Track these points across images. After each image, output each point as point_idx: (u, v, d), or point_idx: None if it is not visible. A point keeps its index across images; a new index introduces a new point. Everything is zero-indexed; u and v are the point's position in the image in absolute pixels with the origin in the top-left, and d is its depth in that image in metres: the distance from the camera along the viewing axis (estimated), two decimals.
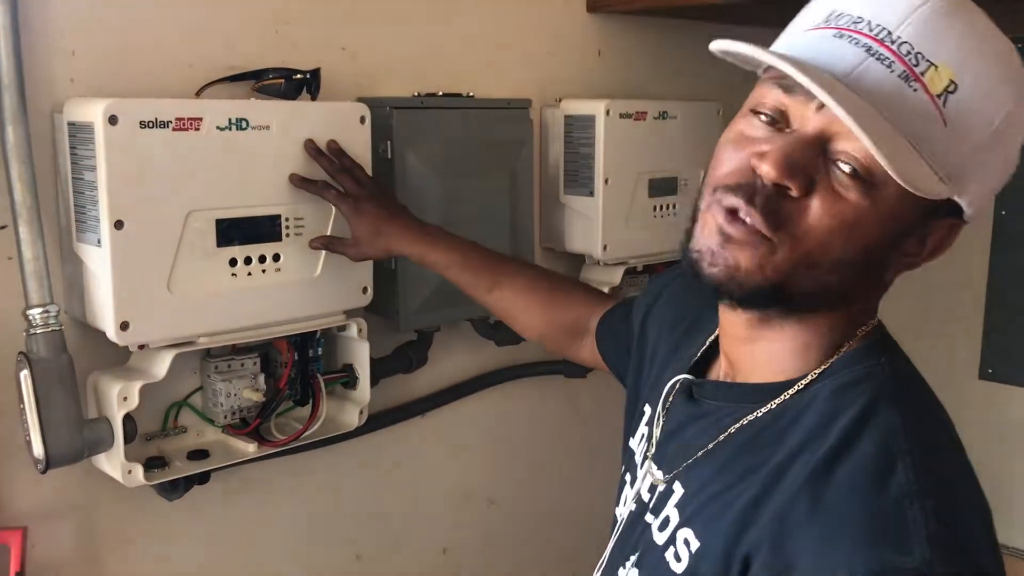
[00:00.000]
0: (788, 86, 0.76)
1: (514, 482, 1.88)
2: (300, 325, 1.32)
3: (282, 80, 1.30)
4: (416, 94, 1.53)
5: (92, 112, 1.11)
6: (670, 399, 0.95)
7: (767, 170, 0.75)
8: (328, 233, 1.32)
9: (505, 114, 1.60)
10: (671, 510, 0.86)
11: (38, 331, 1.15)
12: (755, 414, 0.83)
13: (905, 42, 0.72)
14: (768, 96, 0.79)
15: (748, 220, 0.76)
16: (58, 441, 1.14)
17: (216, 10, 1.33)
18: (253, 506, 1.47)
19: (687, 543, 0.82)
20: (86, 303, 1.20)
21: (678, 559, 0.82)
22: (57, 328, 1.16)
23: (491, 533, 1.85)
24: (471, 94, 1.56)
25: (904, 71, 0.72)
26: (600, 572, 0.98)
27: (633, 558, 0.91)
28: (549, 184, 1.76)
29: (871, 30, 0.73)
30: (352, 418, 1.43)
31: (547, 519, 1.96)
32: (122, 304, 1.14)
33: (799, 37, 0.78)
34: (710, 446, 0.85)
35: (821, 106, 0.73)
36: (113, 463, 1.20)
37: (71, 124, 1.15)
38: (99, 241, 1.14)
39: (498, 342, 1.68)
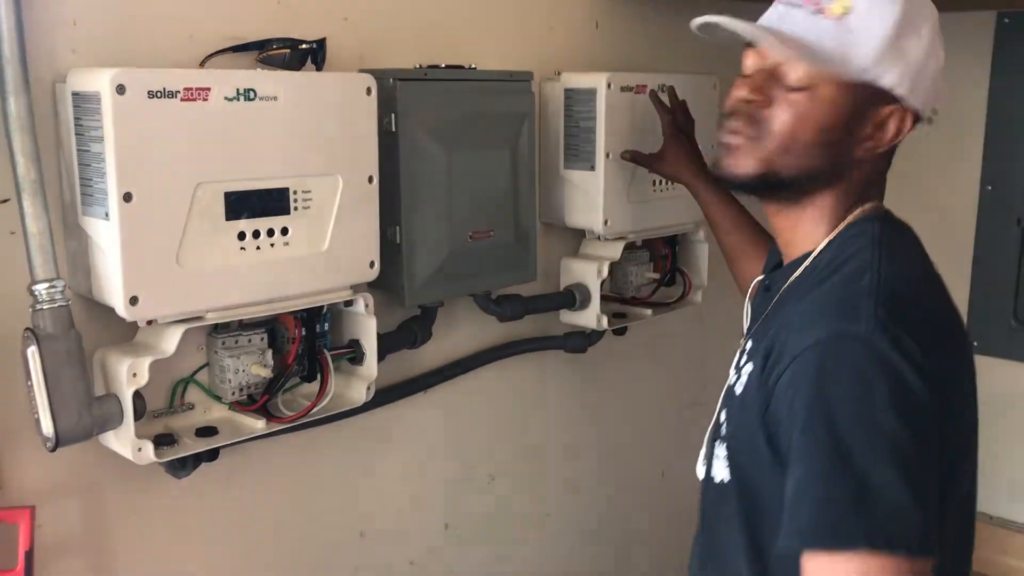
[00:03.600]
0: (748, 46, 1.12)
1: (515, 457, 1.88)
2: (308, 300, 1.31)
3: (288, 50, 1.28)
4: (418, 66, 1.51)
5: (99, 81, 1.08)
6: (756, 297, 1.23)
7: (739, 93, 1.12)
8: (336, 206, 1.30)
9: (508, 86, 1.59)
10: (743, 358, 1.14)
11: (44, 307, 1.12)
12: (793, 276, 1.13)
13: None
14: (744, 60, 1.14)
15: (737, 131, 1.11)
16: (67, 419, 1.12)
17: None
18: (260, 482, 1.46)
19: (747, 372, 1.09)
20: (92, 278, 1.17)
21: (740, 384, 1.10)
22: (64, 303, 1.14)
23: (492, 508, 1.85)
24: (473, 66, 1.54)
25: (813, 8, 1.07)
26: (710, 441, 1.20)
27: (723, 410, 1.15)
28: (548, 158, 1.75)
29: None
30: (359, 394, 1.41)
31: (545, 492, 1.96)
32: (131, 278, 1.12)
33: (721, 18, 1.11)
34: (768, 308, 1.15)
35: (761, 53, 1.10)
36: (122, 440, 1.18)
37: (76, 94, 1.13)
38: (107, 214, 1.11)
39: (500, 317, 1.67)
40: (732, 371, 1.16)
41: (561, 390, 1.94)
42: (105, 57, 1.21)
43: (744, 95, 1.10)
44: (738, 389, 1.10)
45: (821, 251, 1.11)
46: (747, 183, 1.12)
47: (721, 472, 1.13)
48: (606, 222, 1.71)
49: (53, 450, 1.13)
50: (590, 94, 1.68)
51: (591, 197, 1.71)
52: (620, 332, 1.88)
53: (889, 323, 0.97)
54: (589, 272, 1.75)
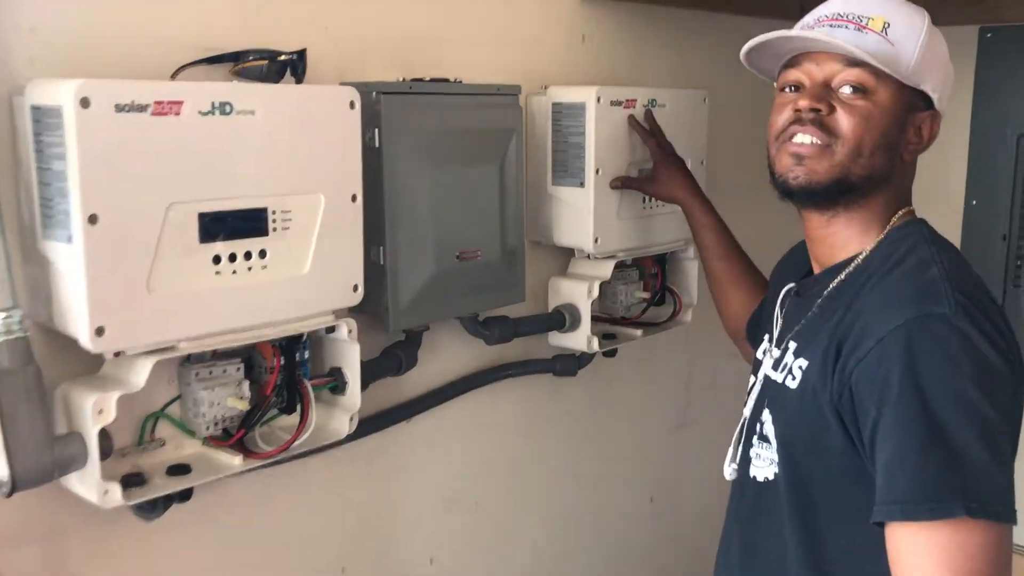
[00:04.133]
0: (795, 63, 1.18)
1: (502, 486, 1.80)
2: (288, 327, 1.22)
3: (266, 61, 1.20)
4: (402, 79, 1.44)
5: (62, 94, 0.99)
6: (786, 305, 1.26)
7: (804, 103, 1.15)
8: (317, 227, 1.22)
9: (495, 100, 1.52)
10: (788, 357, 1.19)
11: (1, 339, 1.03)
12: (837, 280, 1.17)
13: (849, 13, 1.15)
14: (786, 77, 1.20)
15: (809, 138, 1.14)
16: (26, 460, 1.03)
17: None
18: (235, 520, 1.37)
19: (800, 367, 1.15)
20: (54, 306, 1.08)
21: (793, 380, 1.15)
22: (22, 334, 1.05)
23: (477, 537, 1.76)
24: (459, 79, 1.47)
25: (855, 27, 1.14)
26: (742, 443, 1.25)
27: (766, 409, 1.20)
28: (535, 174, 1.68)
29: (827, 17, 1.17)
30: (342, 425, 1.33)
31: (533, 521, 1.88)
32: (97, 307, 1.03)
33: (789, 31, 1.17)
34: (813, 310, 1.18)
35: (817, 65, 1.16)
36: (87, 483, 1.09)
37: (35, 108, 1.04)
38: (70, 238, 1.02)
39: (488, 340, 1.59)
40: (771, 371, 1.21)
41: (549, 415, 1.87)
42: (67, 67, 1.12)
43: (809, 103, 1.13)
44: (790, 384, 1.15)
45: (869, 254, 1.15)
46: (825, 190, 1.14)
47: (764, 471, 1.18)
48: (596, 240, 1.64)
49: (9, 495, 1.03)
50: (579, 108, 1.62)
51: (580, 215, 1.64)
52: (610, 354, 1.81)
53: (968, 305, 1.04)
54: (579, 292, 1.68)
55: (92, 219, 1.02)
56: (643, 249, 1.76)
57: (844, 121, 1.13)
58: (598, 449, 2.00)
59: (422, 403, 1.59)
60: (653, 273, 1.86)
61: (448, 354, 1.63)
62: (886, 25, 1.13)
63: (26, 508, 1.14)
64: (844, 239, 1.18)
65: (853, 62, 1.12)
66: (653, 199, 1.74)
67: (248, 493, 1.36)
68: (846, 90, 1.13)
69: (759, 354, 1.30)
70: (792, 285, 1.26)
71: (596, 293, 1.67)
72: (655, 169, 1.68)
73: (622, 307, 1.80)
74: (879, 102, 1.13)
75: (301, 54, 1.22)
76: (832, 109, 1.13)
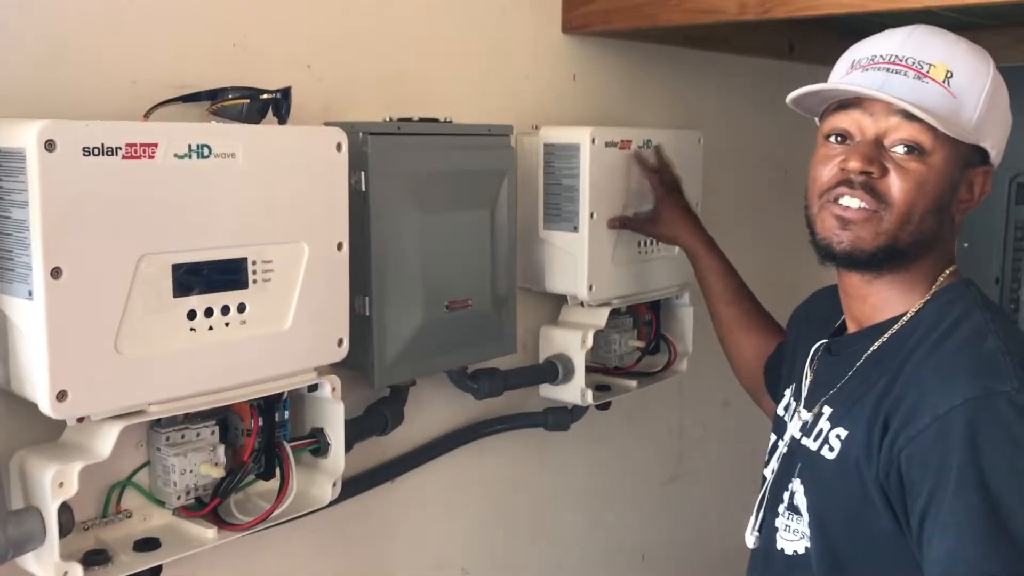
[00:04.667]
0: (844, 106, 1.08)
1: (490, 548, 1.70)
2: (267, 386, 1.13)
3: (247, 100, 1.11)
4: (388, 119, 1.36)
5: (24, 136, 0.90)
6: (816, 360, 1.18)
7: (854, 164, 1.05)
8: (300, 278, 1.13)
9: (486, 141, 1.44)
10: (823, 423, 1.10)
11: None
12: (879, 342, 1.09)
13: (908, 57, 1.06)
14: (833, 123, 1.10)
15: (856, 203, 1.05)
16: None
17: (164, 18, 1.15)
18: None
19: (838, 437, 1.07)
20: (10, 367, 0.98)
21: (831, 450, 1.07)
22: None
23: None
24: (449, 119, 1.39)
25: (915, 74, 1.05)
26: (763, 509, 1.19)
27: (796, 478, 1.12)
28: (526, 218, 1.60)
29: (883, 58, 1.07)
30: (324, 491, 1.23)
31: None
32: (59, 369, 0.93)
33: (841, 81, 1.09)
34: (850, 374, 1.10)
35: (871, 115, 1.05)
36: (44, 563, 0.99)
37: None
38: (30, 293, 0.93)
39: (476, 394, 1.51)
40: (796, 436, 1.14)
41: (537, 472, 1.78)
42: (28, 105, 1.03)
43: (860, 166, 1.04)
44: (827, 454, 1.07)
45: (915, 316, 1.08)
46: (870, 257, 1.06)
47: (792, 544, 1.12)
48: (591, 287, 1.57)
49: None
50: (573, 149, 1.55)
51: (574, 260, 1.57)
52: (603, 407, 1.73)
53: None
54: (572, 342, 1.60)
55: (55, 273, 0.92)
56: (638, 296, 1.69)
57: (896, 187, 1.04)
58: (588, 506, 1.91)
59: (407, 462, 1.49)
60: (647, 320, 1.79)
61: (433, 409, 1.54)
62: (948, 74, 1.04)
63: None
64: (885, 299, 1.10)
65: (910, 116, 1.02)
66: (649, 242, 1.67)
67: (221, 566, 1.26)
68: (899, 149, 1.04)
69: (781, 411, 1.23)
70: (825, 341, 1.19)
71: (591, 343, 1.59)
72: (656, 208, 1.61)
73: (615, 356, 1.72)
74: (935, 164, 1.04)
75: (286, 92, 1.14)
76: (884, 172, 1.04)
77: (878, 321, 1.11)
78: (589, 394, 1.60)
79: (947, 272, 1.10)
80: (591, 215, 1.55)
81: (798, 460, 1.13)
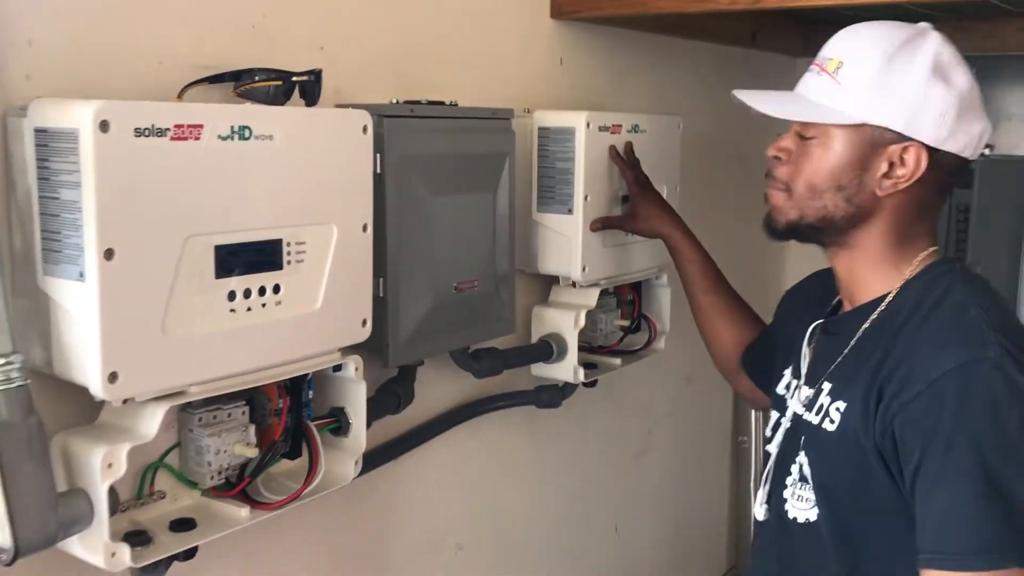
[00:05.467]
0: None
1: (482, 523, 1.73)
2: (298, 366, 1.14)
3: (279, 82, 1.12)
4: (395, 100, 1.37)
5: (78, 116, 0.90)
6: (814, 340, 1.24)
7: (767, 152, 1.22)
8: (329, 259, 1.15)
9: (489, 124, 1.47)
10: (823, 399, 1.17)
11: (0, 388, 0.92)
12: (869, 320, 1.16)
13: (823, 55, 1.18)
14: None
15: (774, 182, 1.20)
16: (30, 523, 0.92)
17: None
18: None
19: (838, 410, 1.14)
20: (54, 350, 0.97)
21: (832, 423, 1.14)
22: (23, 383, 0.93)
23: None
24: (455, 102, 1.41)
25: (818, 70, 1.17)
26: (769, 483, 1.24)
27: (802, 451, 1.18)
28: (519, 201, 1.63)
29: (817, 59, 1.19)
30: (346, 469, 1.25)
31: (512, 560, 1.83)
32: (112, 351, 0.93)
33: (740, 93, 1.25)
34: (846, 351, 1.17)
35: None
36: (91, 544, 0.98)
37: (40, 131, 0.93)
38: (81, 275, 0.92)
39: (477, 373, 1.53)
40: (800, 412, 1.20)
41: (525, 449, 1.82)
42: (65, 85, 1.02)
43: (772, 152, 1.21)
44: (828, 427, 1.14)
45: (898, 295, 1.15)
46: (784, 231, 1.20)
47: (804, 512, 1.17)
48: (584, 268, 1.61)
49: (10, 563, 0.92)
50: (568, 133, 1.58)
51: (568, 242, 1.60)
52: (590, 385, 1.78)
53: (1012, 349, 1.04)
54: (565, 322, 1.64)
55: (108, 254, 0.92)
56: (624, 276, 1.74)
57: (796, 168, 1.17)
58: (567, 481, 1.96)
59: (411, 440, 1.51)
60: (629, 300, 1.84)
61: (430, 389, 1.56)
62: (840, 64, 1.14)
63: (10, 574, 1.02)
64: (862, 278, 1.19)
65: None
66: None
67: (244, 544, 1.26)
68: (800, 137, 1.18)
69: (782, 389, 1.29)
70: (821, 321, 1.25)
71: (583, 322, 1.63)
72: (633, 205, 1.66)
73: (601, 335, 1.77)
74: (828, 147, 1.15)
75: (318, 74, 1.15)
76: (790, 157, 1.18)
77: (866, 300, 1.19)
78: (581, 372, 1.65)
79: (928, 251, 1.18)
80: (585, 198, 1.59)
81: (802, 434, 1.20)
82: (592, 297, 1.66)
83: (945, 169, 1.14)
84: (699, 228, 1.92)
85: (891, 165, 1.13)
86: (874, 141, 1.13)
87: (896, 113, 1.12)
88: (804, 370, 1.24)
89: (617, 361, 1.78)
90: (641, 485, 2.22)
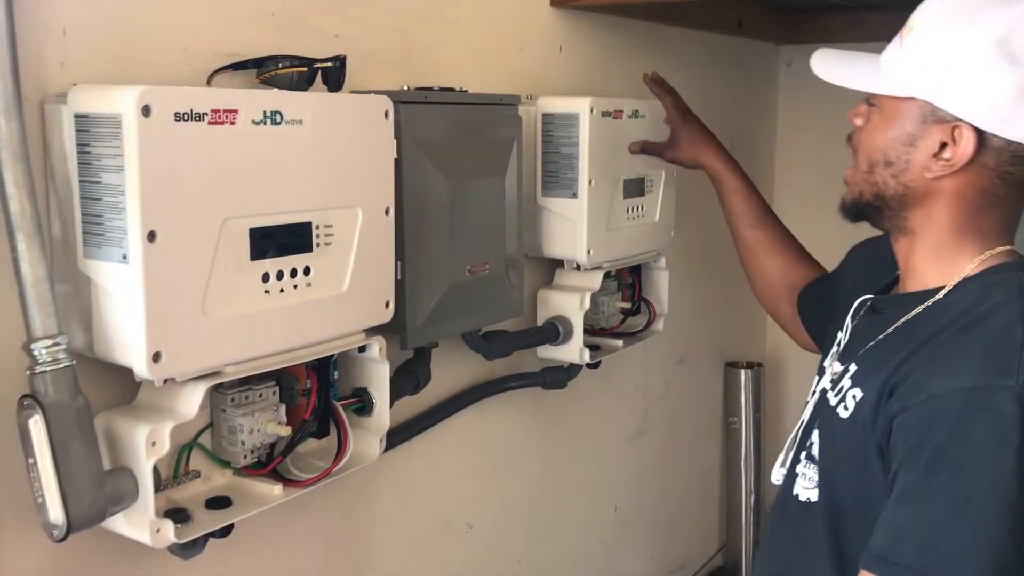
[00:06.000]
0: None
1: (490, 503, 1.77)
2: (326, 346, 1.17)
3: (304, 69, 1.14)
4: (406, 87, 1.39)
5: (120, 102, 0.92)
6: (859, 315, 1.18)
7: (849, 115, 1.14)
8: (355, 242, 1.17)
9: (498, 111, 1.50)
10: (846, 381, 1.11)
11: (47, 369, 0.94)
12: (914, 312, 1.08)
13: (909, 21, 1.08)
14: None
15: (851, 153, 1.14)
16: (80, 500, 0.94)
17: None
18: (271, 551, 1.30)
19: (854, 397, 1.07)
20: (95, 332, 1.00)
21: (846, 409, 1.08)
22: (69, 363, 0.96)
23: (470, 561, 1.73)
24: (465, 88, 1.44)
25: (898, 35, 1.09)
26: (794, 450, 1.20)
27: (816, 430, 1.14)
28: (524, 186, 1.66)
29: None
30: (371, 448, 1.28)
31: (518, 539, 1.86)
32: (155, 331, 0.96)
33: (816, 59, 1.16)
34: (881, 336, 1.10)
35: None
36: (136, 521, 1.01)
37: (81, 116, 0.95)
38: (125, 257, 0.95)
39: (487, 355, 1.57)
40: (827, 388, 1.14)
41: (530, 430, 1.85)
42: (97, 72, 1.04)
43: (850, 117, 1.14)
44: (842, 412, 1.08)
45: (953, 292, 1.06)
46: (850, 209, 1.14)
47: (807, 491, 1.14)
48: (589, 252, 1.64)
49: (63, 539, 0.94)
50: (572, 119, 1.61)
51: (574, 226, 1.64)
52: (594, 366, 1.81)
53: None
54: (571, 304, 1.68)
55: (151, 236, 0.94)
56: (626, 259, 1.77)
57: (856, 137, 1.13)
58: (570, 461, 1.99)
59: (427, 419, 1.54)
60: (629, 283, 1.88)
61: (441, 370, 1.58)
62: (912, 28, 1.07)
63: (43, 553, 1.04)
64: (917, 265, 1.11)
65: None
66: (636, 208, 1.75)
67: (268, 521, 1.29)
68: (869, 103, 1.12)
69: (827, 358, 1.23)
70: (869, 298, 1.18)
71: (588, 305, 1.67)
72: (674, 133, 1.63)
73: (603, 317, 1.81)
74: (885, 115, 1.09)
75: (342, 61, 1.17)
76: (864, 123, 1.13)
77: (914, 289, 1.11)
78: (587, 353, 1.68)
79: (997, 250, 1.07)
80: (590, 182, 1.62)
81: (821, 412, 1.15)
82: (596, 280, 1.70)
83: (1007, 157, 1.03)
84: (687, 213, 1.98)
85: (943, 145, 1.04)
86: (924, 116, 1.05)
87: (945, 88, 1.03)
88: (842, 345, 1.19)
89: (619, 343, 1.82)
90: (638, 465, 2.26)
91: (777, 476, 1.23)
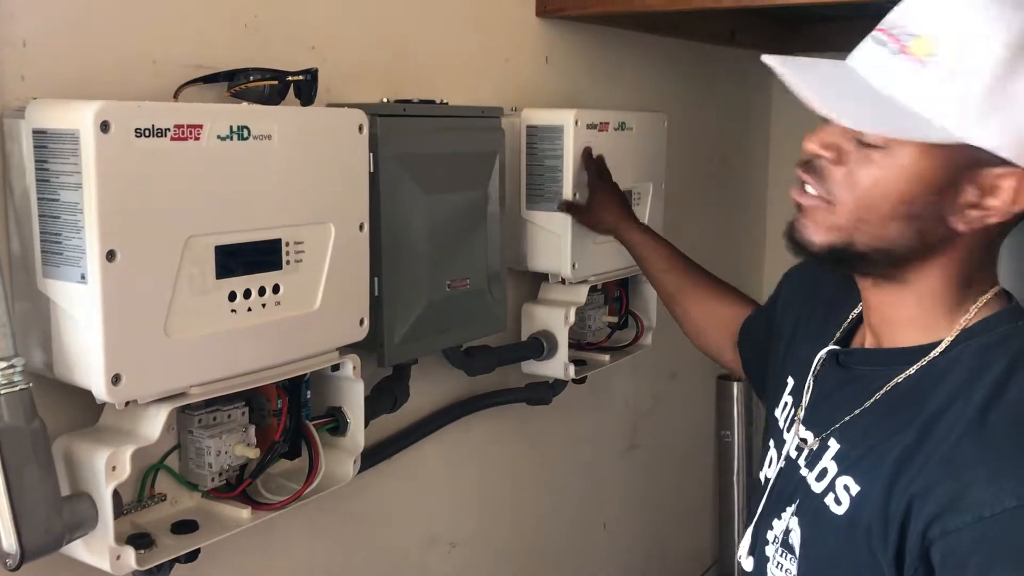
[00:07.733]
0: None
1: (473, 521, 1.74)
2: (297, 366, 1.14)
3: (275, 82, 1.11)
4: (385, 99, 1.37)
5: (78, 117, 0.89)
6: (819, 369, 1.02)
7: (807, 145, 0.91)
8: (327, 259, 1.14)
9: (479, 123, 1.47)
10: (828, 462, 0.95)
11: (1, 391, 0.91)
12: (904, 375, 0.92)
13: (901, 21, 0.86)
14: None
15: (808, 187, 0.92)
16: (35, 527, 0.91)
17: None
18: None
19: (847, 488, 0.91)
20: (54, 353, 0.97)
21: (838, 503, 0.92)
22: (25, 386, 0.93)
23: None
24: (445, 101, 1.42)
25: (896, 46, 0.85)
26: (753, 525, 1.05)
27: (790, 508, 0.98)
28: (509, 199, 1.64)
29: (885, 23, 0.88)
30: (345, 469, 1.25)
31: (504, 557, 1.83)
32: (114, 353, 0.93)
33: (784, 66, 0.89)
34: (866, 404, 0.94)
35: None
36: (96, 548, 0.98)
37: (39, 132, 0.93)
38: (83, 276, 0.92)
39: (470, 371, 1.54)
40: (795, 458, 1.00)
41: (514, 446, 1.82)
42: (60, 85, 1.01)
43: (812, 148, 0.90)
44: (834, 507, 0.92)
45: (948, 350, 0.90)
46: (820, 254, 0.92)
47: None
48: (574, 265, 1.62)
49: (16, 568, 0.91)
50: (556, 131, 1.59)
51: (559, 240, 1.61)
52: (580, 381, 1.78)
53: None
54: (556, 319, 1.65)
55: (110, 255, 0.91)
56: (612, 273, 1.74)
57: (849, 180, 0.88)
58: (556, 477, 1.96)
59: (404, 439, 1.51)
60: (616, 297, 1.85)
61: (422, 387, 1.56)
62: (933, 48, 0.82)
63: None
64: (905, 318, 0.93)
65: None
66: None
67: (240, 544, 1.26)
68: (861, 141, 0.87)
69: (778, 412, 1.09)
70: (834, 349, 1.02)
71: (573, 319, 1.64)
72: (589, 198, 1.60)
73: (590, 332, 1.78)
74: (898, 161, 0.85)
75: (314, 74, 1.15)
76: (841, 159, 0.89)
77: (900, 345, 0.94)
78: (572, 368, 1.66)
79: (986, 298, 0.91)
80: (575, 195, 1.60)
81: (798, 494, 0.98)
82: (581, 294, 1.67)
83: None
84: (677, 225, 1.95)
85: (983, 192, 0.85)
86: (969, 163, 0.84)
87: (1011, 134, 0.82)
88: (805, 403, 1.02)
89: (606, 357, 1.79)
90: (628, 481, 2.23)
91: (748, 564, 1.06)
